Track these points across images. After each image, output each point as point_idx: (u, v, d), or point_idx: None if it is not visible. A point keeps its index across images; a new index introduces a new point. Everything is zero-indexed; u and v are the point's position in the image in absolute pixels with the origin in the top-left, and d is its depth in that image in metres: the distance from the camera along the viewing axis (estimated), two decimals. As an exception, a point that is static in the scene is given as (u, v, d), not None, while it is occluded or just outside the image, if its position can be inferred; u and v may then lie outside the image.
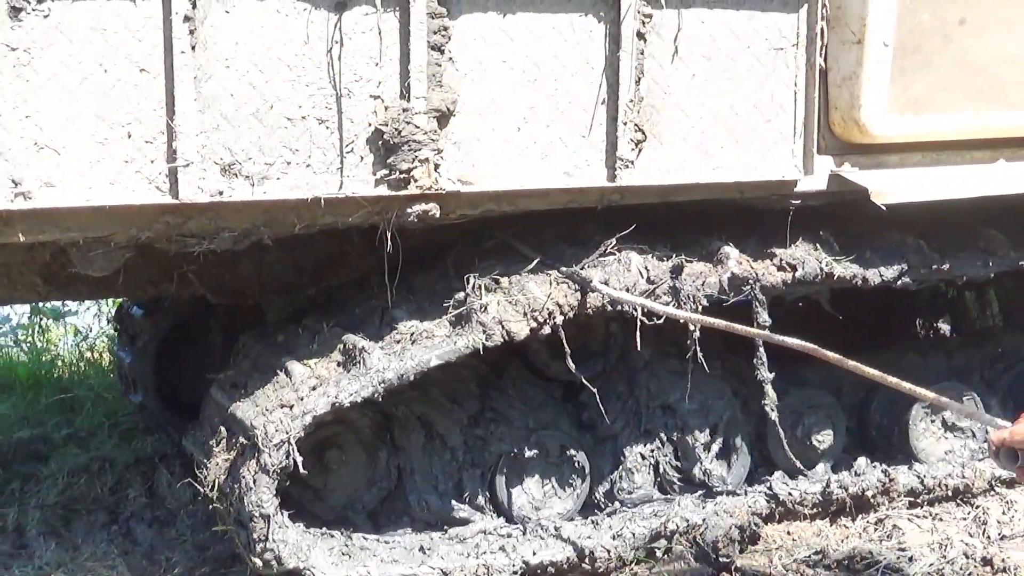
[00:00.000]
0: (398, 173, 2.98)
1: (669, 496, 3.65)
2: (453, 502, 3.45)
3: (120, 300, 5.25)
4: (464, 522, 3.44)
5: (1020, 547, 3.51)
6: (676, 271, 3.34)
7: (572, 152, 3.18)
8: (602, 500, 3.60)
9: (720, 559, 3.42)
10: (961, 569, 3.38)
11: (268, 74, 2.87)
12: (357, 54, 2.94)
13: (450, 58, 3.01)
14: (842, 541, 3.62)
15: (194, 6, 2.76)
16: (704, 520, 3.50)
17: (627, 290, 3.25)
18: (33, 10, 2.66)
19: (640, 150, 3.23)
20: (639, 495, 3.59)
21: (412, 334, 3.15)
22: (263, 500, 3.01)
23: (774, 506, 3.69)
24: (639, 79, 3.19)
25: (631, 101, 3.18)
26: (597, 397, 3.38)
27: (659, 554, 3.47)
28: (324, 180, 2.95)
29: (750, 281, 3.37)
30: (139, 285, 3.67)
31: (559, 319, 3.19)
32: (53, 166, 2.73)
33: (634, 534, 3.45)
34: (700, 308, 3.30)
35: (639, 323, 3.21)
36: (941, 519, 3.75)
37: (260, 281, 3.63)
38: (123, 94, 2.76)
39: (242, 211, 2.95)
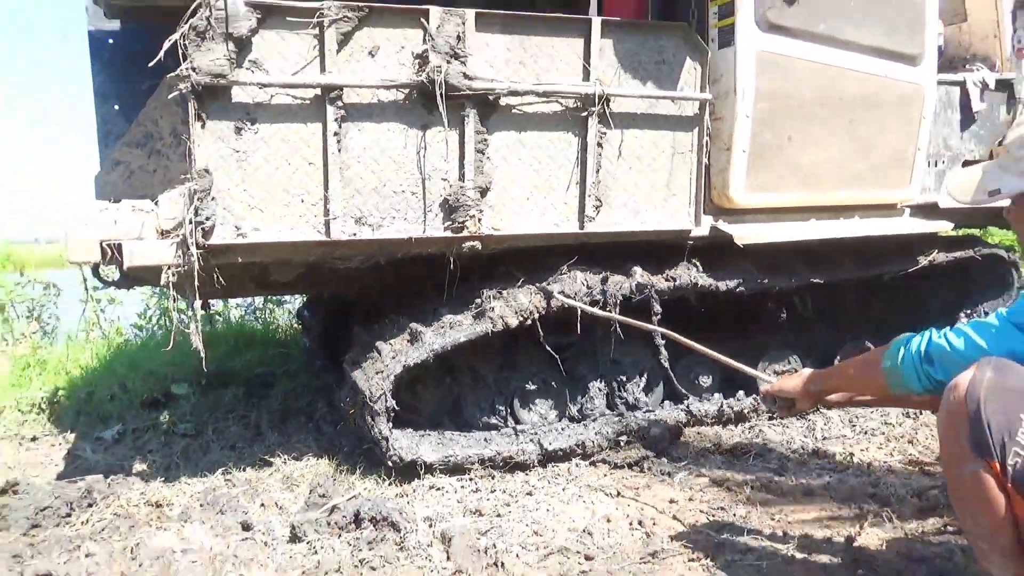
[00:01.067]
0: (457, 223, 3.04)
1: (617, 412, 3.64)
2: (489, 416, 3.49)
3: (300, 304, 5.34)
4: (497, 427, 3.46)
5: (834, 444, 3.53)
6: (604, 281, 3.35)
7: (558, 212, 3.23)
8: (576, 414, 3.61)
9: (658, 447, 3.44)
10: (799, 455, 3.41)
11: (382, 165, 2.94)
12: (434, 154, 3.00)
13: (488, 157, 3.07)
14: (729, 438, 3.63)
15: (339, 127, 2.84)
16: (649, 424, 3.52)
17: (574, 296, 3.26)
18: (248, 128, 2.75)
19: (598, 211, 3.27)
20: (597, 411, 3.60)
21: (451, 323, 3.18)
22: (381, 430, 3.06)
23: (690, 417, 3.70)
24: (598, 170, 3.23)
25: (593, 183, 3.22)
26: (559, 360, 3.41)
27: (622, 444, 3.48)
28: (415, 227, 3.01)
29: (648, 287, 3.38)
30: (309, 287, 3.72)
31: (536, 315, 3.21)
32: (259, 219, 2.82)
33: (607, 431, 3.46)
34: (619, 302, 3.32)
35: (579, 315, 3.24)
36: (787, 427, 3.76)
37: (380, 288, 3.64)
38: (299, 177, 2.84)
39: (367, 245, 3.01)
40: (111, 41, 3.39)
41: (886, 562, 2.38)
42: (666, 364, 3.47)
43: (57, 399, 4.42)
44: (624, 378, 3.68)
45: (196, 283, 2.70)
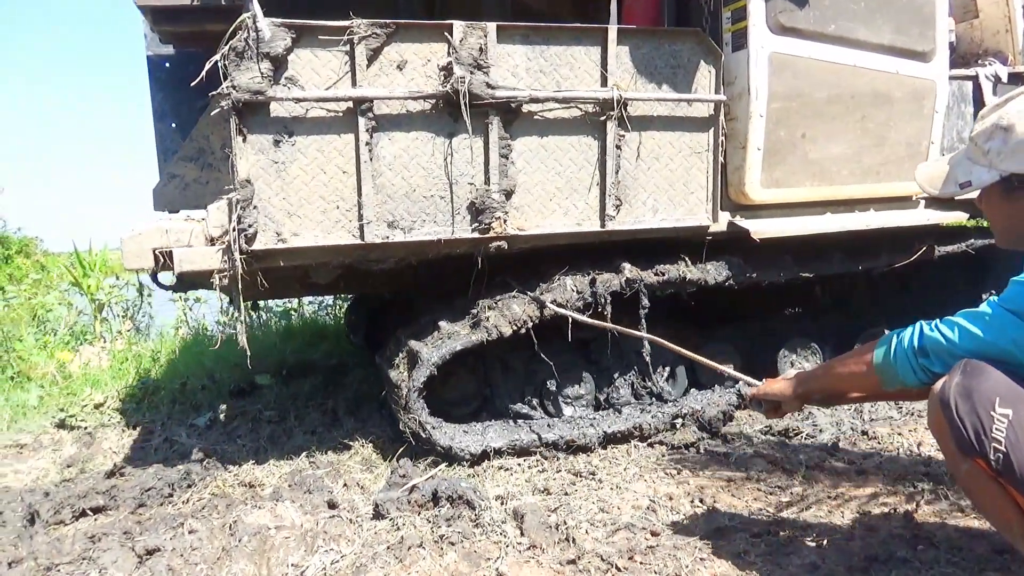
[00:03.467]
0: (484, 225, 2.84)
1: (641, 401, 3.35)
2: (520, 405, 3.26)
3: (346, 310, 5.17)
4: (527, 416, 3.22)
5: (882, 425, 3.24)
6: (592, 283, 3.04)
7: (580, 212, 2.99)
8: (603, 403, 3.35)
9: (712, 428, 3.20)
10: (849, 437, 3.12)
11: (412, 171, 2.75)
12: (461, 160, 2.80)
13: (512, 161, 2.86)
14: (780, 420, 3.32)
15: (371, 137, 2.66)
16: (703, 407, 3.25)
17: (565, 303, 2.98)
18: (286, 141, 2.60)
19: (619, 210, 3.03)
20: (623, 400, 3.33)
21: (448, 333, 2.94)
22: (442, 445, 2.88)
23: (740, 400, 3.37)
24: (617, 171, 2.99)
25: (613, 183, 2.98)
26: (553, 367, 3.16)
27: (678, 426, 3.23)
28: (444, 229, 2.82)
29: (636, 282, 3.07)
30: (348, 288, 3.55)
31: (529, 324, 2.94)
32: (298, 224, 2.65)
33: (664, 415, 3.20)
34: (608, 301, 3.02)
35: (571, 322, 2.96)
36: (836, 409, 3.43)
37: (414, 286, 3.46)
38: (334, 185, 2.67)
39: (399, 247, 2.83)
40: (167, 65, 3.29)
41: (946, 538, 2.13)
42: (649, 358, 3.18)
43: (153, 390, 4.37)
44: (650, 369, 3.38)
45: (241, 286, 2.55)
